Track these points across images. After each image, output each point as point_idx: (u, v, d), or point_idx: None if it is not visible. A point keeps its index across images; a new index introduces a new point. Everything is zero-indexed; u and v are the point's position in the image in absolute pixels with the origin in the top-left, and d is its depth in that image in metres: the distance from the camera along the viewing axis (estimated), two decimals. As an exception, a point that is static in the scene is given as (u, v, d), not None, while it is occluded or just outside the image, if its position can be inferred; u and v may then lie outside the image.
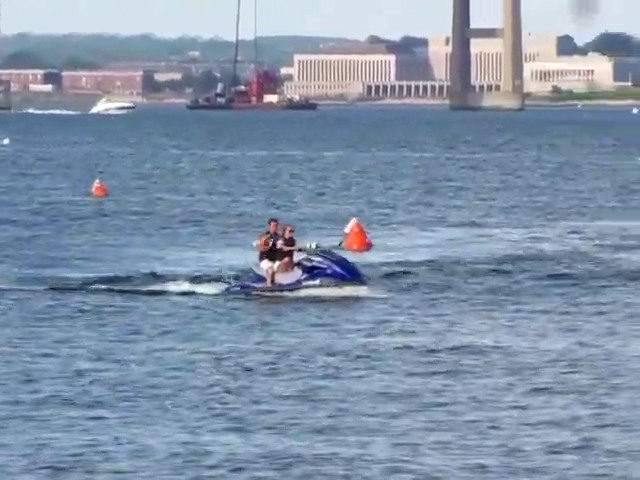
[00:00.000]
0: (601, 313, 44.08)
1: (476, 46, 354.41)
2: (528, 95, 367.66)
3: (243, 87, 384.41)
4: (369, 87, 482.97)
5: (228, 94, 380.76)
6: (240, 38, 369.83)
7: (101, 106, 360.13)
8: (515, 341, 38.76)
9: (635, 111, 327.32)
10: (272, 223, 44.72)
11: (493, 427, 26.10)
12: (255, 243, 44.93)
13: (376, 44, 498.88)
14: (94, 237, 72.37)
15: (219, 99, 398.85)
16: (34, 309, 47.17)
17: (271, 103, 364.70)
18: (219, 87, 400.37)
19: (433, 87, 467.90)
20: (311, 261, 42.52)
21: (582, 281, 53.03)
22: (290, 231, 44.01)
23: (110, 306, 47.64)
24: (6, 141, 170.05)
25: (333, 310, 43.45)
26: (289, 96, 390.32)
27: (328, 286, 42.20)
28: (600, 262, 59.98)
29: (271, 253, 42.69)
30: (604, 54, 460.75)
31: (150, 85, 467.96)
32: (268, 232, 43.71)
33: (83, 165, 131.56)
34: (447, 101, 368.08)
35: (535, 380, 31.82)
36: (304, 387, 31.31)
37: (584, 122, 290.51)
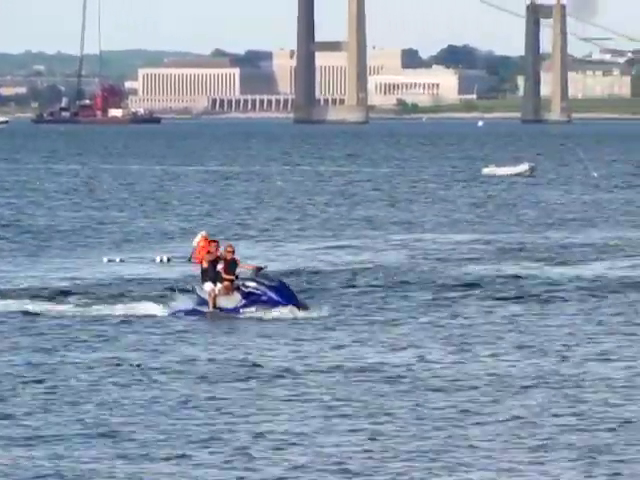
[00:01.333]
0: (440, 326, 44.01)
1: (321, 59, 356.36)
2: (372, 108, 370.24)
3: (88, 101, 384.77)
4: (214, 101, 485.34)
5: (73, 108, 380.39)
6: (85, 52, 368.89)
7: None
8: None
9: (480, 124, 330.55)
10: (212, 244, 44.38)
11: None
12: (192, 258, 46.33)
13: (220, 57, 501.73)
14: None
15: (64, 113, 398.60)
16: None
17: (116, 117, 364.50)
18: (64, 101, 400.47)
19: (278, 100, 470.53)
20: (247, 287, 41.84)
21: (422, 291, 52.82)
22: (231, 252, 43.56)
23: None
24: None
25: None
26: (134, 110, 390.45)
27: (264, 312, 41.50)
28: (438, 273, 58.86)
29: (213, 275, 42.30)
30: (449, 67, 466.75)
31: None
32: (209, 251, 43.57)
33: None
34: (292, 114, 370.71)
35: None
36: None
37: (426, 134, 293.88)
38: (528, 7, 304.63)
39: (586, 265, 59.27)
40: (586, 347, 40.10)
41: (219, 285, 42.05)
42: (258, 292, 41.80)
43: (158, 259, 59.85)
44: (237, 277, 42.76)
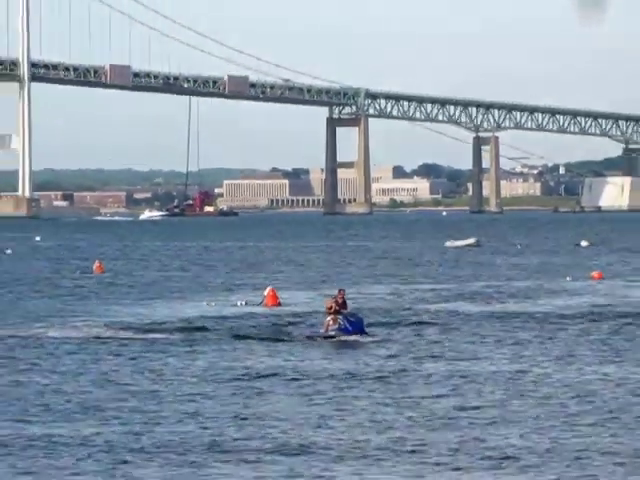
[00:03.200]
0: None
1: (341, 173, 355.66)
2: (374, 204, 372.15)
3: (190, 202, 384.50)
4: (272, 200, 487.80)
5: (181, 206, 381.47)
6: (189, 169, 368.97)
7: (147, 214, 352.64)
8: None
9: (444, 214, 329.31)
10: (340, 292, 41.90)
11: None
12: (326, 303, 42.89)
13: (275, 172, 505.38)
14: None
15: (175, 210, 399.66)
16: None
17: (209, 212, 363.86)
18: (175, 202, 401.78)
19: (313, 200, 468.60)
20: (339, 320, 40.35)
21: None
22: (342, 296, 41.68)
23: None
24: (38, 238, 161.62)
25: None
26: (220, 207, 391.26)
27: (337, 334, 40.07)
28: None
29: (331, 313, 40.75)
30: (423, 177, 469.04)
31: (131, 201, 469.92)
32: (335, 298, 41.54)
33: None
34: (322, 209, 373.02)
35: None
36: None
37: (408, 221, 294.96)
38: (474, 138, 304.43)
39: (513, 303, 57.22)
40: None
41: (329, 318, 40.88)
42: (341, 323, 40.33)
43: (239, 303, 58.02)
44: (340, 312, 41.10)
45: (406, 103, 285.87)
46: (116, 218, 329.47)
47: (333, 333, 40.40)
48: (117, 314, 54.81)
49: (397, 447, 21.53)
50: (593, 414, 25.86)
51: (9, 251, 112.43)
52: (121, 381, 32.46)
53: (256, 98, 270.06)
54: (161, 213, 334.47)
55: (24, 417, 25.56)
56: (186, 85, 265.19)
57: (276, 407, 27.57)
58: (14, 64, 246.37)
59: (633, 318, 48.35)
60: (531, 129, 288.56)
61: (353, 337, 39.84)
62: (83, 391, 30.29)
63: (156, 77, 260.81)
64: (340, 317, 40.70)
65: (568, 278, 70.48)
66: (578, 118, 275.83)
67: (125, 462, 19.46)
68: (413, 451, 21.13)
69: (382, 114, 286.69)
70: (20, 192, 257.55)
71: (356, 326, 40.52)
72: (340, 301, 41.05)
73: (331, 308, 40.97)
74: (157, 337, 44.34)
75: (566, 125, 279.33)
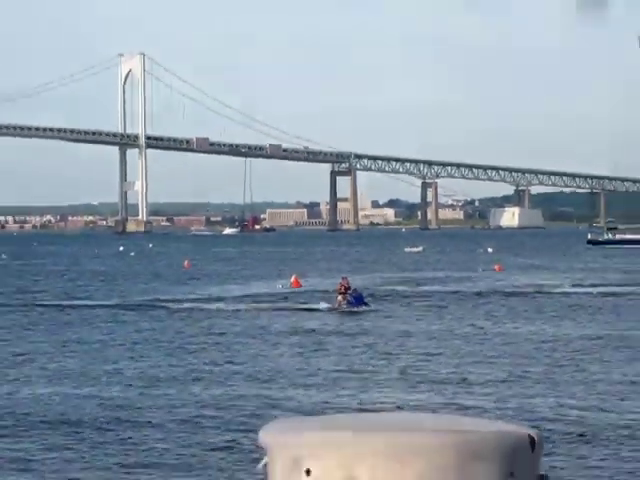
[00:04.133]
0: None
1: (339, 205, 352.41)
2: (360, 224, 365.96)
3: (246, 222, 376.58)
4: (296, 222, 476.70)
5: (241, 225, 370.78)
6: (245, 202, 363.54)
7: (227, 230, 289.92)
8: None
9: (403, 230, 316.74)
10: (343, 279, 40.18)
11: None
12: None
13: (299, 204, 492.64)
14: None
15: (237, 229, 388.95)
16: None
17: (257, 229, 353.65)
18: (236, 223, 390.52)
19: (323, 222, 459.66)
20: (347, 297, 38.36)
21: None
22: (347, 282, 40.03)
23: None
24: (150, 245, 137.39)
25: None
26: (264, 226, 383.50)
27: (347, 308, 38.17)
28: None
29: (340, 293, 38.76)
30: (391, 207, 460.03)
31: (209, 222, 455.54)
32: (341, 283, 39.66)
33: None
34: (326, 228, 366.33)
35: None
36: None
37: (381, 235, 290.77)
38: (422, 183, 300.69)
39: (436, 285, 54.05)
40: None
41: (340, 297, 38.62)
42: (349, 299, 38.49)
43: (279, 285, 53.99)
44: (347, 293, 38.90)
45: (380, 161, 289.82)
46: (205, 233, 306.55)
47: (345, 307, 38.94)
48: (202, 292, 51.16)
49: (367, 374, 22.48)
50: (487, 348, 27.10)
51: (132, 253, 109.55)
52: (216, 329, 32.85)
53: (286, 157, 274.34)
54: (235, 230, 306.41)
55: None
56: (244, 150, 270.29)
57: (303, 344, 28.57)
58: (136, 137, 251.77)
59: (519, 294, 47.69)
60: (457, 177, 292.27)
61: (356, 308, 38.57)
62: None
63: (224, 145, 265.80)
64: (347, 295, 39.32)
65: (480, 269, 68.79)
66: (487, 171, 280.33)
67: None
68: (371, 372, 22.70)
69: (365, 168, 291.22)
70: (140, 217, 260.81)
71: (358, 300, 39.12)
72: (345, 285, 39.80)
73: (340, 289, 39.63)
74: (227, 307, 42.21)
75: (479, 175, 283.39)
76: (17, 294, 49.26)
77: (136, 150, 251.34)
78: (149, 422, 17.34)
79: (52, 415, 18.18)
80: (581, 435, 15.88)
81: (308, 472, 1.29)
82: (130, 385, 21.56)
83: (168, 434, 16.44)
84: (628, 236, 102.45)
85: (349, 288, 39.60)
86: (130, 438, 16.25)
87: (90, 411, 18.43)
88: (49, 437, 16.39)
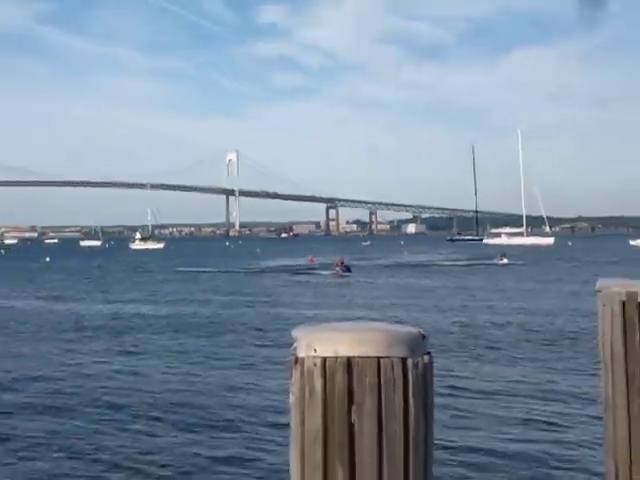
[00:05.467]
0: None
1: (331, 224, 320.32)
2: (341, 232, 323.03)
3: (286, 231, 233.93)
4: (309, 230, 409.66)
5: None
6: (290, 220, 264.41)
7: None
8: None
9: (361, 236, 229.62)
10: (340, 259, 35.00)
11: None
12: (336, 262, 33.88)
13: (310, 222, 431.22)
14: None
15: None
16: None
17: (291, 235, 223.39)
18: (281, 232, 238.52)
19: (322, 230, 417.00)
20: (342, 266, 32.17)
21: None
22: (342, 260, 34.90)
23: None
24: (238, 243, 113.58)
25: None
26: (294, 233, 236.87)
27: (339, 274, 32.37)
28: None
29: (337, 265, 33.57)
30: (354, 224, 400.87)
31: (270, 231, 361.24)
32: (339, 259, 34.71)
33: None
34: (323, 233, 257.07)
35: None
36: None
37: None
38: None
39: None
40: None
41: (337, 268, 33.30)
42: (343, 269, 33.42)
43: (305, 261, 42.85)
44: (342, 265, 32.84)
45: (350, 202, 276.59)
46: (268, 236, 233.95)
47: (341, 273, 33.88)
48: (263, 264, 43.39)
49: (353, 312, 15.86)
50: (399, 288, 23.83)
51: (232, 246, 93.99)
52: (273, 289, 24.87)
53: (299, 198, 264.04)
54: (279, 235, 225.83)
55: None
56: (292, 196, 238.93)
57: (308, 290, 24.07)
58: (233, 190, 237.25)
59: (421, 266, 40.53)
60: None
61: (345, 274, 33.47)
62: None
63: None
64: (343, 266, 34.72)
65: (399, 254, 55.78)
66: (396, 207, 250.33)
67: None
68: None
69: (342, 205, 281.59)
70: (235, 227, 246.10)
71: (347, 269, 34.56)
72: (341, 262, 35.48)
73: (338, 263, 35.22)
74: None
75: (398, 209, 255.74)
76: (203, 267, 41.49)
77: (234, 197, 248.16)
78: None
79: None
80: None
81: (315, 350, 1.28)
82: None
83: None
84: (466, 237, 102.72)
85: (343, 262, 35.89)
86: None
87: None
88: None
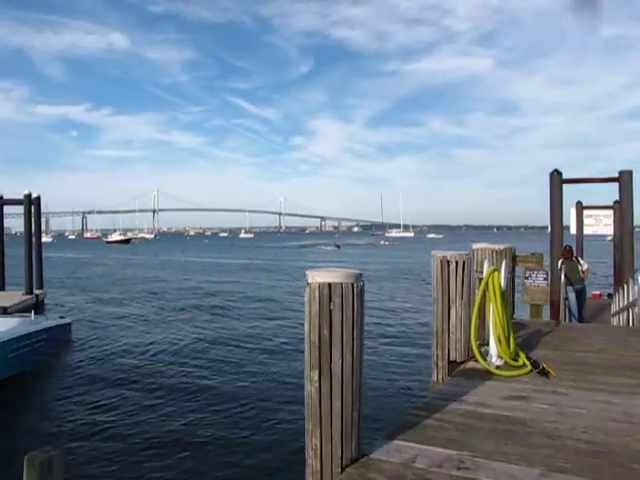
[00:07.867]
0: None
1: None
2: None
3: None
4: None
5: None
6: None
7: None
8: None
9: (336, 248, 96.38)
10: (335, 243, 29.28)
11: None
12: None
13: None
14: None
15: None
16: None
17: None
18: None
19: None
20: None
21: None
22: (336, 242, 32.60)
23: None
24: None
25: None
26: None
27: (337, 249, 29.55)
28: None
29: (336, 246, 28.24)
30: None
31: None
32: (334, 242, 28.20)
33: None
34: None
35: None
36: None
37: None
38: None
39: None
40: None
41: (334, 246, 27.75)
42: (336, 247, 31.42)
43: (321, 248, 40.92)
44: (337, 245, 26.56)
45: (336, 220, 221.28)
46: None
47: (337, 248, 35.97)
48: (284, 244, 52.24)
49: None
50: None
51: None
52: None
53: (308, 216, 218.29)
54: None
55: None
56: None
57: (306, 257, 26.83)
58: (280, 212, 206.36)
59: (355, 245, 48.18)
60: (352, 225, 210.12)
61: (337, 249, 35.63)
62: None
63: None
64: (337, 246, 37.74)
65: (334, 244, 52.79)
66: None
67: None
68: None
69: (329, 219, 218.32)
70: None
71: (338, 247, 36.83)
72: (336, 244, 38.42)
73: (335, 243, 39.08)
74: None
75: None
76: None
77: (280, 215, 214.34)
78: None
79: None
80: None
81: (314, 279, 2.12)
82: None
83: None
84: (377, 233, 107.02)
85: (338, 245, 39.84)
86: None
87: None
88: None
